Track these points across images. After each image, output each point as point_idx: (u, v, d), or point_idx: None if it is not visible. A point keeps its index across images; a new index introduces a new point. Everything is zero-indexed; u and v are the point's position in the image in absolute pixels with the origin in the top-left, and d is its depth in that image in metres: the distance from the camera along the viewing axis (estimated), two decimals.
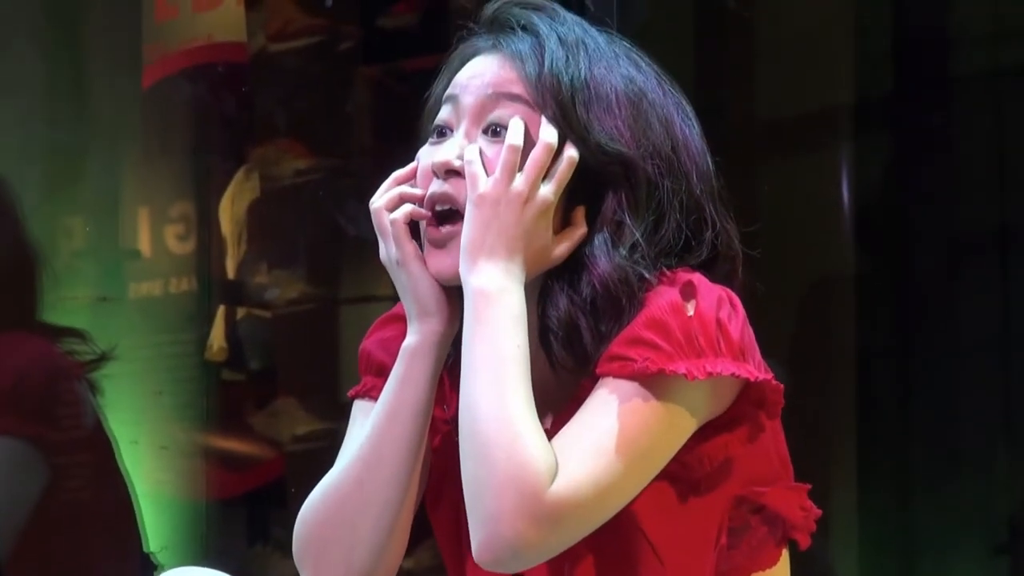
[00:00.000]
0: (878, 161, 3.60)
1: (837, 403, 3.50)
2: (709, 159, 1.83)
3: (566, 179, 1.74)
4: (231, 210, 3.86)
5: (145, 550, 3.26)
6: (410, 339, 1.79)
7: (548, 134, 1.74)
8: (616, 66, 1.79)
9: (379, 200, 1.79)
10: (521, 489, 1.65)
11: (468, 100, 1.78)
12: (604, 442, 1.69)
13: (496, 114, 1.77)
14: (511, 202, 1.72)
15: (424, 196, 1.77)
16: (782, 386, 1.76)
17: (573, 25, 1.81)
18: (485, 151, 1.76)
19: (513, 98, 1.77)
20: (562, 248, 1.77)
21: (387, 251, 1.79)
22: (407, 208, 1.77)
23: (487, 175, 1.73)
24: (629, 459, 1.70)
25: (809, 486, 1.83)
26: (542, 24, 1.80)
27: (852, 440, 3.51)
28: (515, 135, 1.74)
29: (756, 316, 1.81)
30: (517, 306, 1.73)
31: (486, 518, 1.66)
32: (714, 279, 1.77)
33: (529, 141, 1.76)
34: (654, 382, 1.70)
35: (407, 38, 3.66)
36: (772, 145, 3.60)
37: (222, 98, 3.94)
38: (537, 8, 1.82)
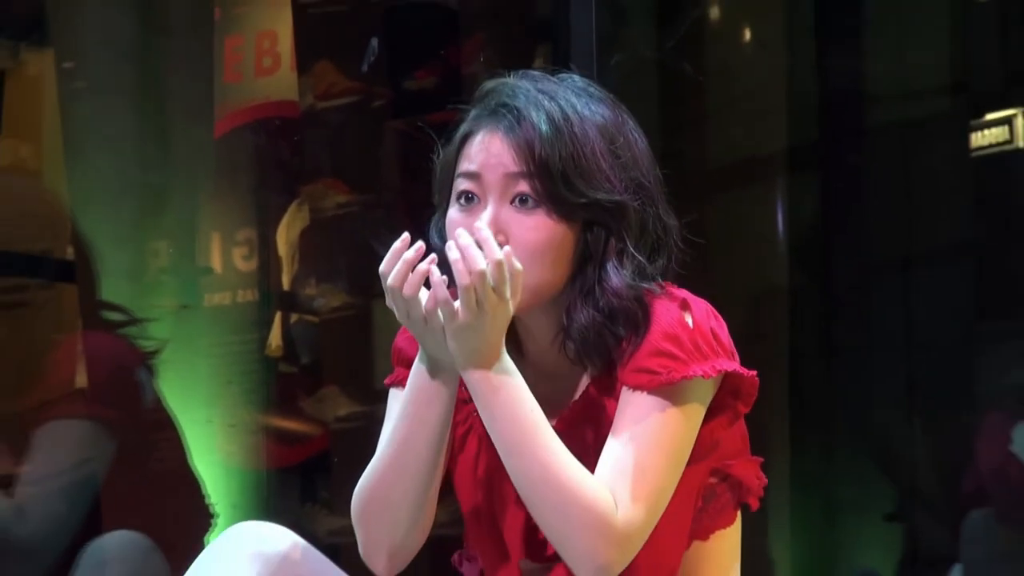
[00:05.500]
0: (807, 197, 3.84)
1: (774, 396, 3.67)
2: (650, 153, 1.88)
3: (519, 289, 1.77)
4: (286, 235, 3.98)
5: (207, 502, 3.42)
6: (435, 364, 1.82)
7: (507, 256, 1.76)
8: (588, 116, 1.82)
9: (410, 288, 1.77)
10: (599, 527, 1.74)
11: (491, 178, 1.83)
12: (646, 459, 1.77)
13: (517, 190, 1.83)
14: (481, 324, 1.75)
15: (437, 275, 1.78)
16: (758, 380, 1.87)
17: (549, 97, 1.84)
18: (511, 220, 1.82)
19: (527, 176, 1.82)
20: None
21: (412, 319, 1.79)
22: (441, 296, 1.76)
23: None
24: (668, 466, 1.79)
25: (762, 459, 1.97)
26: (531, 102, 1.83)
27: (785, 426, 3.69)
28: (463, 274, 1.74)
29: None
30: (514, 379, 1.77)
31: (582, 555, 1.75)
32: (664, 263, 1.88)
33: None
34: (677, 388, 1.79)
35: (427, 97, 3.76)
36: (721, 183, 3.81)
37: (278, 146, 4.03)
38: (523, 88, 1.86)
